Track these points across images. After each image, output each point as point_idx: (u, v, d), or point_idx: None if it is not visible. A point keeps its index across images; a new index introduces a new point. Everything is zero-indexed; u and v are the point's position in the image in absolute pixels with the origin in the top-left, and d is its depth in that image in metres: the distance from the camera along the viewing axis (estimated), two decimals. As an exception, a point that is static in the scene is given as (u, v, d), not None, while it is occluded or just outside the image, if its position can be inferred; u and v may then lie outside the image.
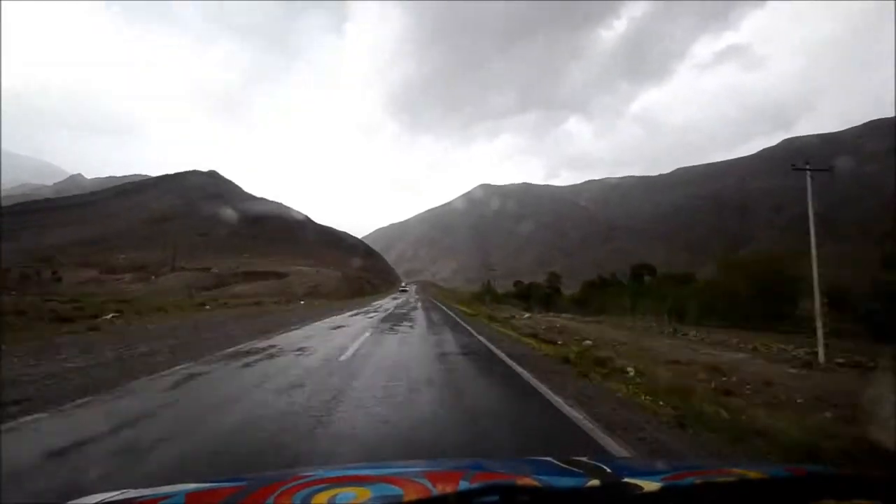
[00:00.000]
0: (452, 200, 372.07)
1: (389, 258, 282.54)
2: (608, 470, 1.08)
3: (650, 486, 0.86)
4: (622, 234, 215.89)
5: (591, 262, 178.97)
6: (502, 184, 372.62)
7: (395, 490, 0.91)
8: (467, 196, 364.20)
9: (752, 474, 1.04)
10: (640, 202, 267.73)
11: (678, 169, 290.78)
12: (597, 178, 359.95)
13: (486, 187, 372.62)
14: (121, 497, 1.01)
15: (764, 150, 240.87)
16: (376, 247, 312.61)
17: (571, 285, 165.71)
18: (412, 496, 0.86)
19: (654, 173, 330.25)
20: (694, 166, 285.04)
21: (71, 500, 1.04)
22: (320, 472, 1.13)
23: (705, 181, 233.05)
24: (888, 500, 0.85)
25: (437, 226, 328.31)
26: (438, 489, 0.89)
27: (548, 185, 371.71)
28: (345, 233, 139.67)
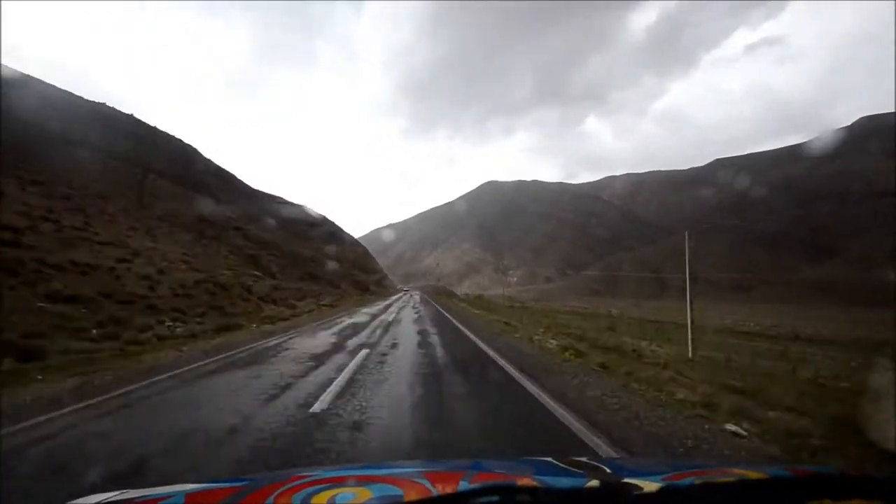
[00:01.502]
0: (457, 199, 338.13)
1: (387, 260, 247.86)
2: (608, 470, 1.08)
3: (650, 486, 0.86)
4: (664, 230, 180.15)
5: (637, 262, 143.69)
6: (511, 180, 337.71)
7: (395, 490, 0.92)
8: (473, 194, 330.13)
9: (752, 474, 1.04)
10: (678, 196, 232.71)
11: (716, 161, 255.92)
12: (617, 174, 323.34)
13: (493, 184, 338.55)
14: (120, 497, 1.00)
15: (835, 130, 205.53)
16: (372, 249, 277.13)
17: (620, 288, 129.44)
18: (412, 496, 0.86)
19: (685, 167, 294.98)
20: (738, 156, 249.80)
21: (70, 500, 1.03)
22: (320, 473, 1.12)
23: (763, 169, 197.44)
24: (888, 499, 0.86)
25: (439, 225, 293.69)
26: (438, 489, 0.89)
27: (562, 183, 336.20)
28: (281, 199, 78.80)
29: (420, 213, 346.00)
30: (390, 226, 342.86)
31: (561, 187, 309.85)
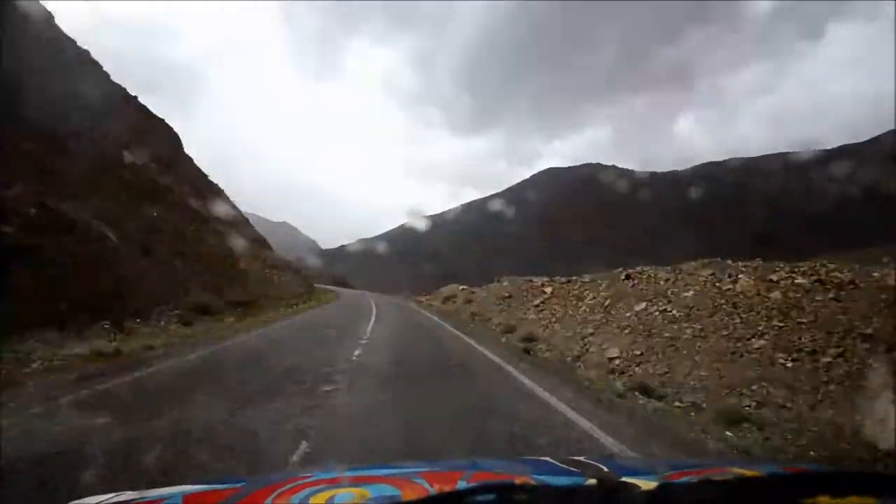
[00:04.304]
0: (509, 188, 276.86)
1: (417, 256, 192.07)
2: (605, 469, 1.08)
3: (648, 485, 0.85)
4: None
5: None
6: (578, 164, 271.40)
7: (393, 491, 0.92)
8: (529, 182, 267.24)
9: (749, 473, 1.06)
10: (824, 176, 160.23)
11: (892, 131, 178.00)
12: (719, 159, 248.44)
13: (554, 172, 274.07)
14: (117, 499, 0.99)
15: None
16: (398, 246, 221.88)
17: None
18: (410, 496, 0.87)
19: (817, 148, 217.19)
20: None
21: (70, 500, 1.03)
22: (318, 474, 1.12)
23: None
24: (885, 496, 0.84)
25: (486, 219, 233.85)
26: (436, 489, 0.90)
27: (642, 172, 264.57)
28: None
29: (464, 204, 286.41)
30: (428, 217, 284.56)
31: (647, 175, 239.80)
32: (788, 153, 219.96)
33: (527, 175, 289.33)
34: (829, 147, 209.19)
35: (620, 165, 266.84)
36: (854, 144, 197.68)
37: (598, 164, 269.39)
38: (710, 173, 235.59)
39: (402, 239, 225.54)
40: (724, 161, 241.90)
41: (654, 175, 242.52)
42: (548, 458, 1.20)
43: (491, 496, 0.73)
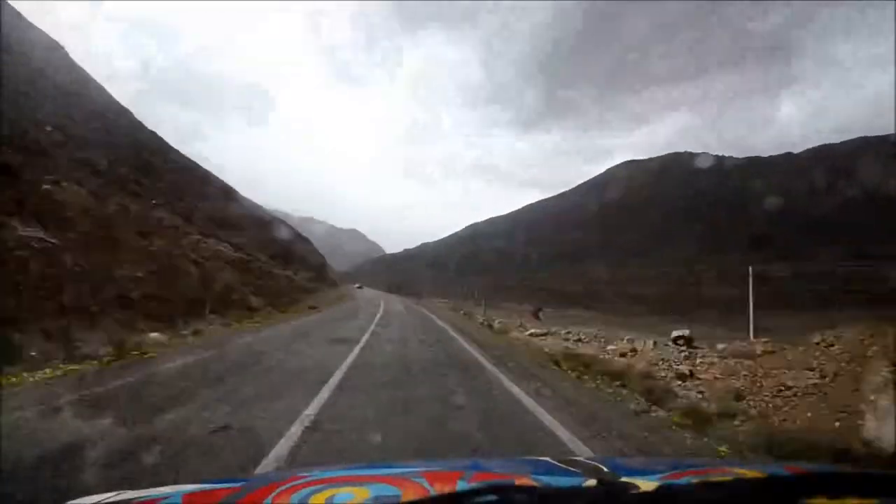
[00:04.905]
0: (577, 186, 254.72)
1: (464, 257, 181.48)
2: (605, 469, 1.09)
3: (647, 485, 0.85)
4: None
5: None
6: (662, 154, 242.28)
7: (393, 490, 0.92)
8: (600, 179, 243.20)
9: (750, 473, 1.07)
10: None
11: None
12: (834, 141, 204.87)
13: (632, 165, 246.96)
14: (117, 498, 1.00)
15: None
16: (453, 250, 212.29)
17: None
18: (410, 496, 0.87)
19: None
20: None
21: (69, 500, 1.02)
22: (318, 473, 1.13)
23: None
24: (885, 497, 0.83)
25: (553, 217, 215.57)
26: (436, 489, 0.90)
27: (741, 157, 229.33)
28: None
29: (530, 205, 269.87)
30: (489, 221, 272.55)
31: (745, 161, 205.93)
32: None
33: (601, 170, 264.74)
34: None
35: (714, 152, 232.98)
36: None
37: (686, 151, 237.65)
38: (827, 154, 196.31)
39: (443, 245, 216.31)
40: (842, 143, 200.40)
41: (754, 160, 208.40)
42: (548, 458, 1.20)
43: (491, 497, 0.73)
